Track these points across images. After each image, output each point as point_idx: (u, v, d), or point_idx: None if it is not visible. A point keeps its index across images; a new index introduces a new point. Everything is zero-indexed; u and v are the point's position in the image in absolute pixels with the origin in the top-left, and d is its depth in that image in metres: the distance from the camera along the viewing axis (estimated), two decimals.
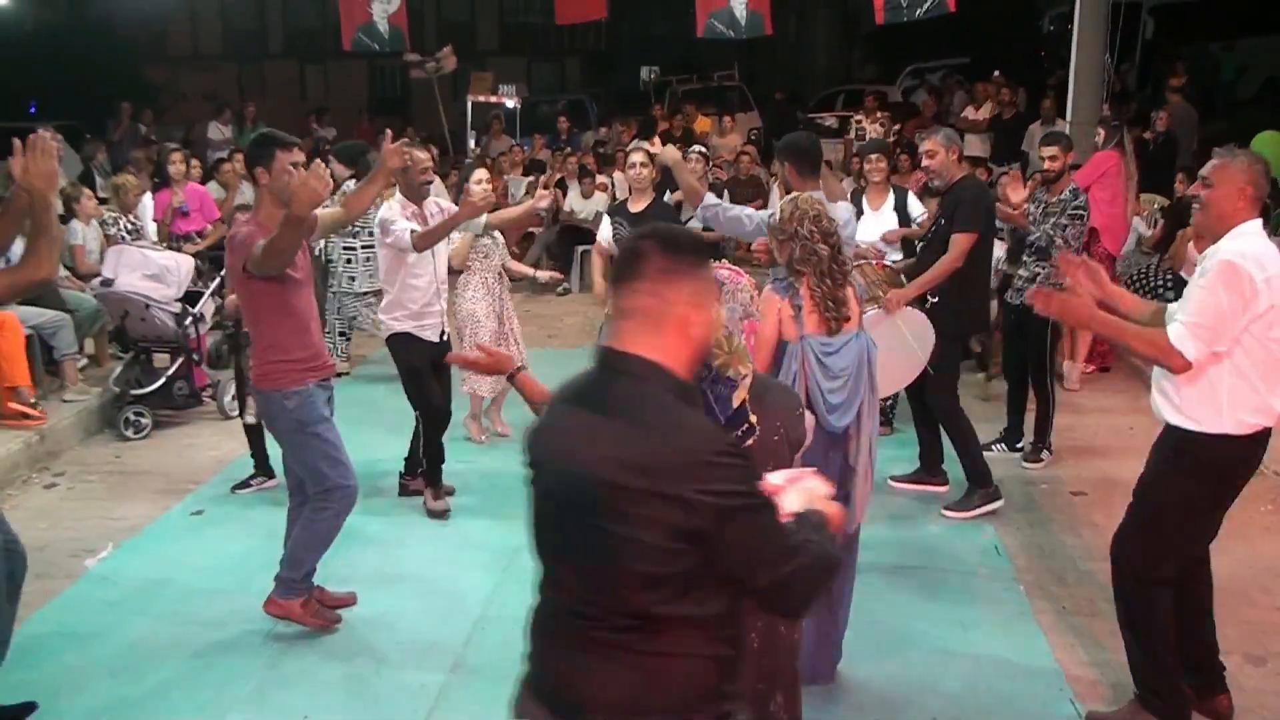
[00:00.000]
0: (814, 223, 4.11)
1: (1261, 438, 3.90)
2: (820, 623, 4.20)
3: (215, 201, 10.91)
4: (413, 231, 5.92)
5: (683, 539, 2.10)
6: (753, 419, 2.91)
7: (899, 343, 5.78)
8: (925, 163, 6.24)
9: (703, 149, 8.57)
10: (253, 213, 4.76)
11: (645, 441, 2.13)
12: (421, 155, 6.20)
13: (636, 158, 7.04)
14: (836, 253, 4.13)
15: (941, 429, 6.41)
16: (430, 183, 6.37)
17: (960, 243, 6.02)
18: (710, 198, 5.61)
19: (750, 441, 2.91)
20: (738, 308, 2.96)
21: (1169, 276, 9.51)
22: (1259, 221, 3.84)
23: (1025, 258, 6.93)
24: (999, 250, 9.19)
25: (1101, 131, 9.37)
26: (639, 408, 2.19)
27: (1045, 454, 7.00)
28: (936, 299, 6.04)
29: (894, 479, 6.59)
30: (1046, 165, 6.90)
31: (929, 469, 6.57)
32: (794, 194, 4.33)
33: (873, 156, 7.59)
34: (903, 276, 6.25)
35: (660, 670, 2.18)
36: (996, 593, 5.28)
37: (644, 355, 2.23)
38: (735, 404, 2.88)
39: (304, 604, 4.87)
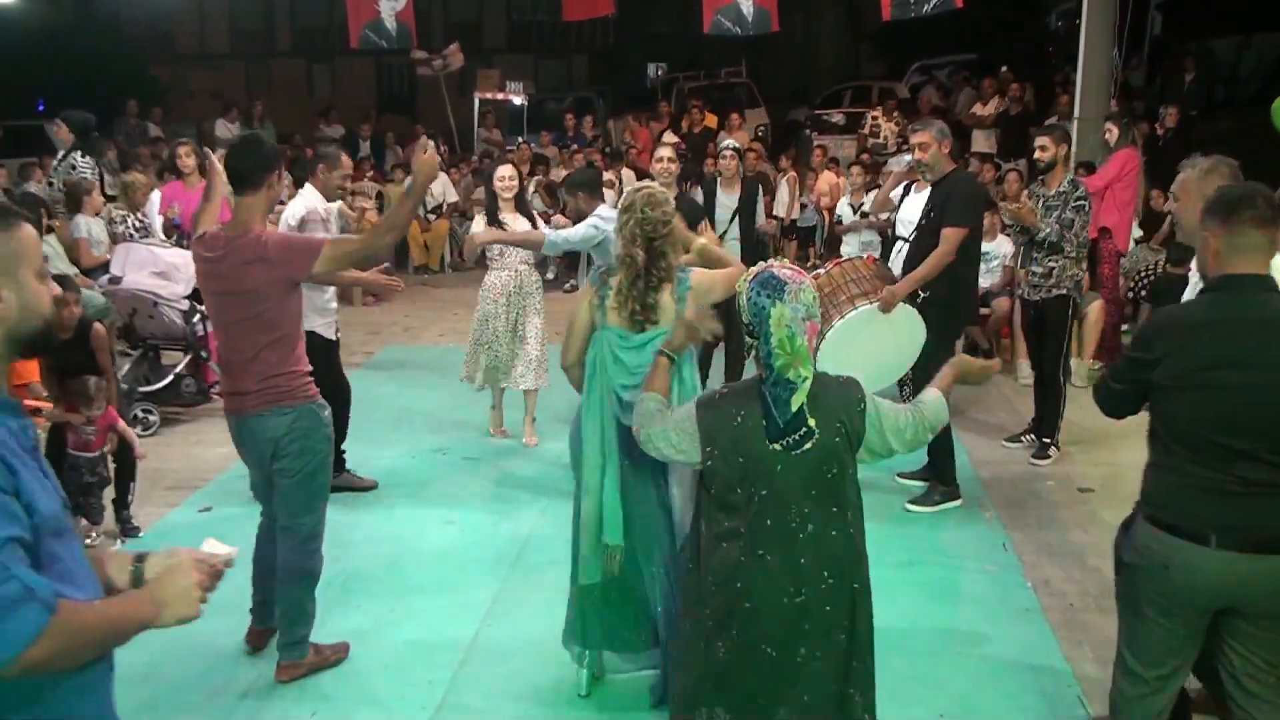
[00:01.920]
0: (639, 225, 3.88)
1: None
2: None
3: (225, 198, 10.91)
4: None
5: None
6: (811, 422, 2.89)
7: (888, 338, 5.80)
8: (917, 155, 6.22)
9: (735, 145, 8.47)
10: (241, 225, 4.27)
11: None
12: (349, 161, 6.37)
13: (664, 152, 7.14)
14: (658, 257, 3.89)
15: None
16: (344, 190, 6.44)
17: (952, 237, 5.98)
18: (546, 232, 6.59)
19: (809, 445, 2.90)
20: (800, 308, 2.91)
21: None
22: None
23: (1036, 254, 6.93)
24: (1008, 247, 9.19)
25: (1115, 128, 9.32)
26: None
27: (1053, 450, 7.00)
28: (927, 293, 6.02)
29: (900, 475, 6.58)
30: (1037, 155, 6.95)
31: (930, 474, 6.50)
32: (637, 185, 4.10)
33: (727, 151, 8.26)
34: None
35: None
36: (1004, 589, 5.27)
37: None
38: (794, 408, 2.86)
39: (314, 651, 4.56)
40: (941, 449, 6.28)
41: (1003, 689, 4.39)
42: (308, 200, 6.24)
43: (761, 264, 3.07)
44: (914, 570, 5.47)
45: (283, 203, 6.88)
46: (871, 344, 5.69)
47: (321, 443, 4.38)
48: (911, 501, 6.26)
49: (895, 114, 15.93)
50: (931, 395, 3.27)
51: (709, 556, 3.02)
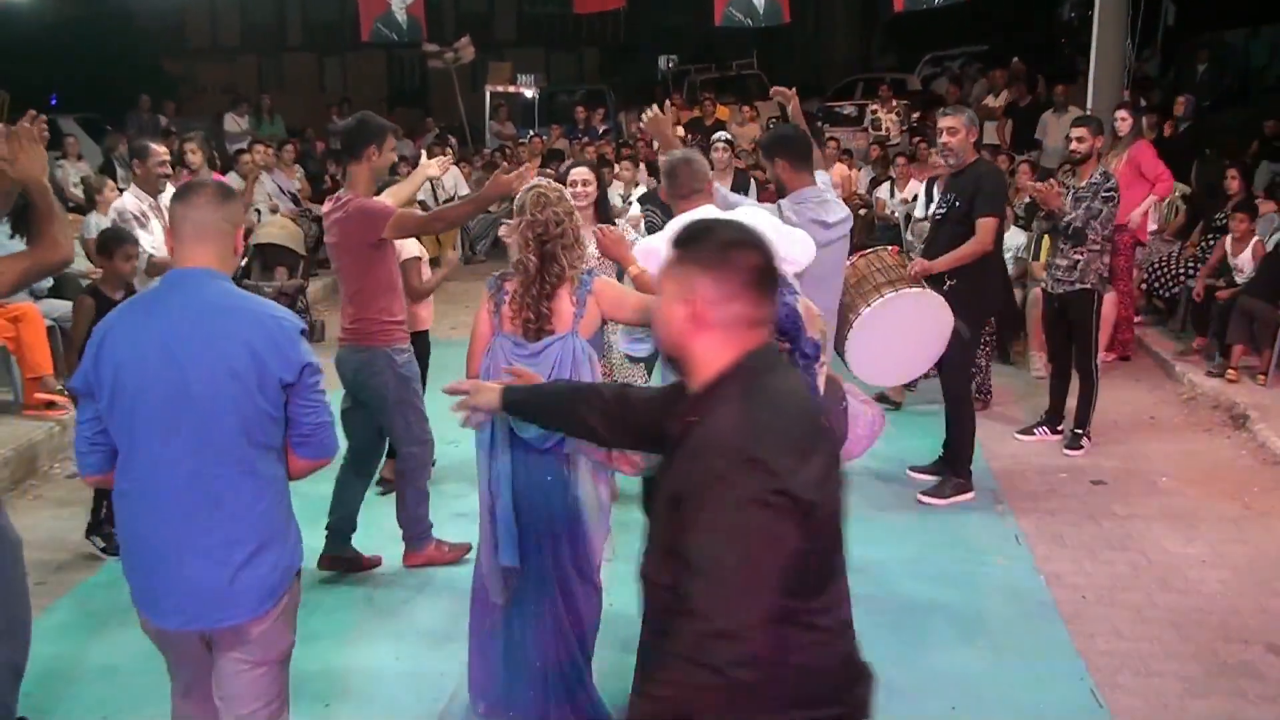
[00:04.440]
0: (529, 227, 3.75)
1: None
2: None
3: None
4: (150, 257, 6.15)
5: None
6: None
7: (916, 326, 5.76)
8: (944, 139, 6.12)
9: (728, 138, 8.42)
10: (349, 189, 5.05)
11: None
12: (159, 149, 6.33)
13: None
14: (550, 261, 3.74)
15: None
16: (168, 176, 6.37)
17: (987, 227, 5.97)
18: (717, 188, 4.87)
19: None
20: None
21: (1190, 265, 9.48)
22: (705, 208, 4.24)
23: (1061, 245, 6.88)
24: (1020, 238, 9.17)
25: (1128, 117, 9.24)
26: None
27: (1085, 441, 6.97)
28: (955, 281, 5.99)
29: (912, 469, 6.56)
30: (1073, 146, 6.85)
31: (946, 466, 6.44)
32: (530, 184, 3.90)
33: (719, 144, 7.93)
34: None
35: None
36: (1016, 582, 5.26)
37: None
38: (821, 390, 2.80)
39: (436, 546, 5.43)
40: (962, 441, 6.26)
41: (1014, 682, 4.38)
42: (124, 200, 6.24)
43: None
44: (926, 563, 5.46)
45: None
46: (900, 332, 5.66)
47: (390, 379, 5.11)
48: (925, 494, 6.23)
49: (894, 103, 15.87)
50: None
51: None
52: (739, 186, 7.75)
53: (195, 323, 2.85)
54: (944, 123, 6.20)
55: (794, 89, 5.84)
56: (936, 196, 6.60)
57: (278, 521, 2.95)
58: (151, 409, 2.81)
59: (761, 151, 5.34)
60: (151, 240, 6.19)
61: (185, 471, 2.81)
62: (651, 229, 7.11)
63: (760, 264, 2.16)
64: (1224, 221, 9.33)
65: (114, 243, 5.81)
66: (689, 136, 15.00)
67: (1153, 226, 10.05)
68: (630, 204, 8.76)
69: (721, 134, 8.75)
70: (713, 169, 7.69)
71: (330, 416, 3.01)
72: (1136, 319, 9.59)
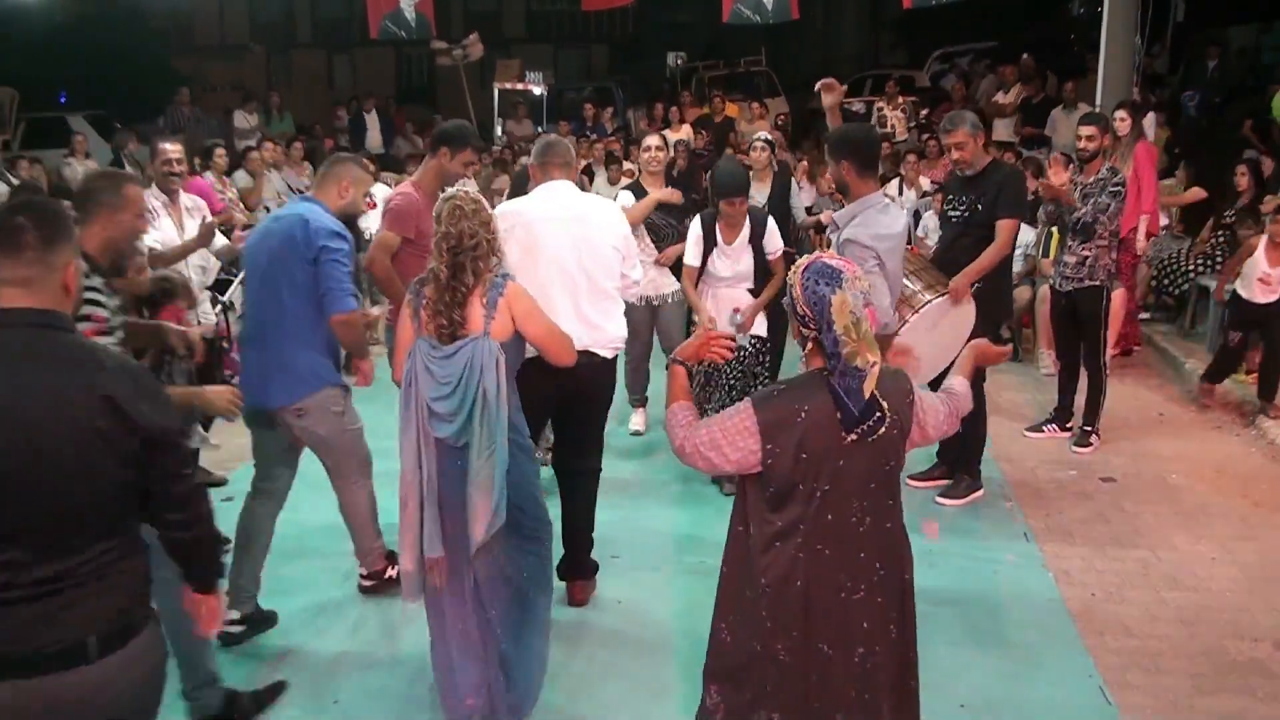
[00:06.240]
0: (445, 239, 3.79)
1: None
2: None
3: (244, 190, 11.09)
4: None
5: None
6: (884, 405, 2.81)
7: (946, 330, 5.71)
8: (956, 155, 6.02)
9: (767, 138, 8.13)
10: (417, 177, 5.39)
11: None
12: (165, 148, 6.32)
13: (652, 141, 7.04)
14: (459, 271, 3.78)
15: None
16: (177, 175, 6.36)
17: (1007, 229, 5.91)
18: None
19: (882, 430, 2.81)
20: (859, 295, 2.81)
21: (1200, 262, 9.46)
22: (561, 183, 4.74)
23: (1070, 242, 6.87)
24: (1029, 235, 9.15)
25: (1128, 116, 9.20)
26: None
27: (1094, 439, 6.97)
28: (979, 285, 5.90)
29: (912, 479, 6.49)
30: (1082, 144, 6.84)
31: (959, 464, 6.38)
32: (446, 194, 3.90)
33: (758, 144, 7.77)
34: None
35: None
36: (1026, 579, 5.26)
37: None
38: (866, 395, 2.77)
39: None
40: (974, 442, 6.23)
41: (1023, 679, 4.39)
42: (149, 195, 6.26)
43: (808, 256, 2.94)
44: (935, 560, 5.46)
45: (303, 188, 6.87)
46: (930, 336, 5.56)
47: None
48: (942, 495, 6.21)
49: (900, 100, 15.81)
50: (961, 383, 3.25)
51: (759, 558, 2.90)
52: (781, 186, 7.67)
53: (269, 223, 4.59)
54: (949, 140, 6.04)
55: (839, 83, 5.78)
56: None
57: (315, 342, 4.62)
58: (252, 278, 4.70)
59: (827, 149, 5.01)
60: (159, 236, 6.22)
61: (264, 311, 4.63)
62: (655, 232, 7.09)
63: None
64: (1232, 219, 9.31)
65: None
66: (701, 132, 14.97)
67: (1164, 221, 10.04)
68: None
69: (761, 133, 8.54)
70: (750, 169, 7.55)
71: (341, 287, 4.50)
72: (1145, 315, 9.57)
